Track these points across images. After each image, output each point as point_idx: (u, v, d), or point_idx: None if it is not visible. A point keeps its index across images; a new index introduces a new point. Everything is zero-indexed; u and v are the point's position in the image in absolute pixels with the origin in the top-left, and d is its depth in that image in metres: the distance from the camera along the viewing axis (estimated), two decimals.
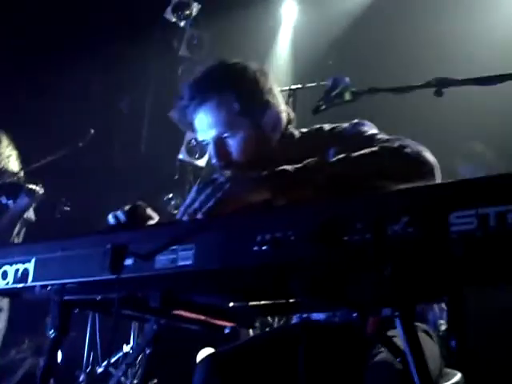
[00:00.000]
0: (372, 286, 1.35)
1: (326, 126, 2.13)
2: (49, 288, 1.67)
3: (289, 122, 2.16)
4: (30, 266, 1.68)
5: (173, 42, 6.57)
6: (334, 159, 1.75)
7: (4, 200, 4.66)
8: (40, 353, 4.99)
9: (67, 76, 5.81)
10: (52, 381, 1.77)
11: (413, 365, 1.23)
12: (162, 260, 1.44)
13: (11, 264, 1.73)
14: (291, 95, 4.56)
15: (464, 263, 1.30)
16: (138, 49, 6.19)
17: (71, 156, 5.18)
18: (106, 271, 1.46)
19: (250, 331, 4.03)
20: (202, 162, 6.34)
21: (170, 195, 5.24)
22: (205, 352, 4.35)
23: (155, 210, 2.03)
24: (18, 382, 4.91)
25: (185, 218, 1.65)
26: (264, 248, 1.30)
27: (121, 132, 6.80)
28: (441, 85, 1.88)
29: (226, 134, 2.03)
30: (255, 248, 1.31)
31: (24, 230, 4.78)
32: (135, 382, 4.55)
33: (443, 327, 2.13)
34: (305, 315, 2.22)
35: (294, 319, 2.42)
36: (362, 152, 1.76)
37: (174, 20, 6.44)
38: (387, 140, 1.88)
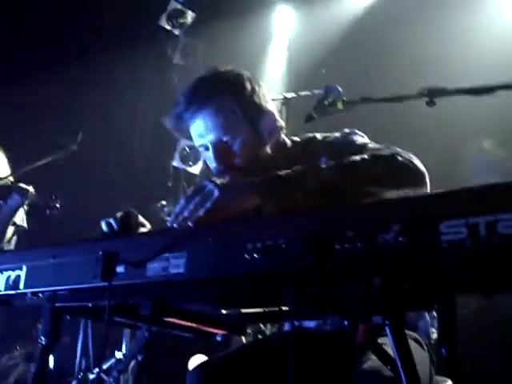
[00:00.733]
0: (362, 294, 1.36)
1: (318, 136, 2.15)
2: (40, 295, 1.67)
3: (280, 129, 2.18)
4: (22, 273, 1.68)
5: (167, 50, 6.58)
6: (325, 165, 1.76)
7: None
8: (31, 359, 4.97)
9: (62, 82, 5.81)
10: None
11: (403, 372, 1.24)
12: (153, 268, 1.44)
13: (2, 271, 1.73)
14: (284, 103, 4.57)
15: (454, 272, 1.31)
16: (133, 57, 6.20)
17: (63, 161, 5.17)
18: (98, 278, 1.46)
19: (243, 338, 4.03)
20: (195, 170, 6.35)
21: (164, 202, 5.24)
22: (196, 359, 4.34)
23: (146, 218, 2.03)
24: None
25: (175, 226, 1.65)
26: (255, 256, 1.30)
27: (114, 139, 6.79)
28: (433, 95, 1.90)
29: (225, 138, 2.04)
30: (246, 256, 1.31)
31: (16, 238, 4.77)
32: None
33: (435, 335, 2.14)
34: (296, 323, 2.22)
35: (286, 326, 2.42)
36: (353, 159, 1.78)
37: (168, 28, 6.46)
38: (378, 149, 1.90)
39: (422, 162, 1.82)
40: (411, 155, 1.81)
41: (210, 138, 2.05)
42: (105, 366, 4.80)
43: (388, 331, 1.26)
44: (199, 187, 1.71)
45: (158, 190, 6.04)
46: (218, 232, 1.41)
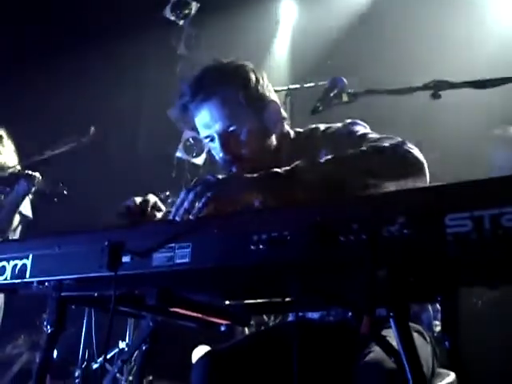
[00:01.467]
0: (367, 286, 1.36)
1: (321, 127, 2.16)
2: (46, 284, 1.68)
3: (284, 120, 2.19)
4: (28, 262, 1.69)
5: (171, 40, 6.57)
6: (324, 160, 1.76)
7: (3, 189, 4.69)
8: (36, 348, 5.00)
9: (66, 72, 5.81)
10: (48, 376, 1.78)
11: (407, 364, 1.24)
12: (159, 258, 1.45)
13: (9, 260, 1.74)
14: (289, 95, 4.56)
15: (459, 265, 1.32)
16: (137, 47, 6.20)
17: (68, 152, 5.18)
18: (104, 268, 1.47)
19: (246, 329, 4.05)
20: (199, 161, 6.35)
21: (167, 193, 5.23)
22: (200, 350, 4.36)
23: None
24: (14, 377, 4.92)
25: (176, 218, 1.65)
26: (261, 247, 1.31)
27: (118, 129, 6.80)
28: (438, 87, 1.89)
29: (232, 128, 2.04)
30: (252, 247, 1.32)
31: (21, 227, 4.79)
32: (130, 378, 4.56)
33: (438, 328, 2.14)
34: (300, 314, 2.23)
35: (290, 317, 2.43)
36: (352, 152, 1.79)
37: (172, 18, 6.44)
38: (378, 139, 1.90)
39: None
40: (410, 145, 1.81)
41: (215, 129, 2.05)
42: (108, 356, 4.83)
43: (392, 323, 1.26)
44: (200, 181, 1.71)
45: (161, 181, 6.05)
46: (223, 223, 1.42)
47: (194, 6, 6.42)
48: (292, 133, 2.20)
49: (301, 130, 2.23)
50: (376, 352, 1.74)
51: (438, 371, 1.98)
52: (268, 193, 1.71)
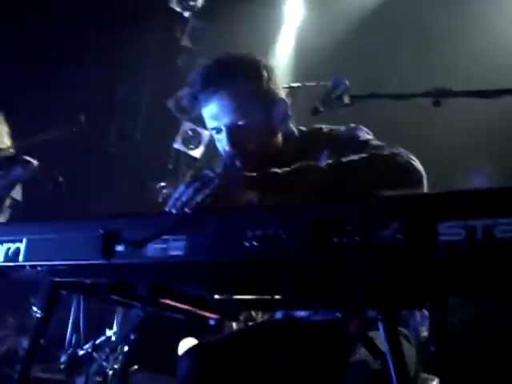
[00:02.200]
0: (358, 288, 1.38)
1: (324, 128, 2.17)
2: (39, 268, 1.69)
3: (290, 118, 2.20)
4: (22, 245, 1.69)
5: (175, 31, 6.55)
6: (325, 164, 1.78)
7: None
8: (23, 331, 5.00)
9: (67, 59, 5.80)
10: None
11: (393, 367, 1.26)
12: (153, 249, 1.46)
13: (2, 243, 1.74)
14: (289, 92, 4.56)
15: (449, 272, 1.33)
16: (140, 36, 6.18)
17: (66, 139, 5.17)
18: (98, 256, 1.48)
19: (234, 324, 4.06)
20: (196, 153, 6.35)
21: (163, 183, 5.24)
22: (187, 343, 4.36)
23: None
24: (0, 359, 4.91)
25: (173, 211, 1.65)
26: (254, 244, 1.32)
27: (117, 118, 6.79)
28: (440, 95, 1.90)
29: (240, 122, 2.05)
30: (246, 243, 1.33)
31: (9, 211, 4.77)
32: (116, 366, 4.56)
33: (424, 334, 2.16)
34: (288, 312, 2.24)
35: (278, 315, 2.44)
36: (353, 158, 1.80)
37: (178, 10, 6.43)
38: (380, 147, 1.91)
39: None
40: (411, 156, 1.83)
41: (224, 121, 2.05)
42: (95, 343, 4.83)
43: (381, 326, 1.27)
44: (199, 175, 1.71)
45: (158, 171, 6.05)
46: (219, 218, 1.42)
47: None
48: (296, 131, 2.22)
49: (304, 128, 2.24)
50: (363, 352, 1.76)
51: (422, 376, 1.99)
52: (265, 192, 1.72)
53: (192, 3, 6.38)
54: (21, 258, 1.68)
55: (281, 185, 1.73)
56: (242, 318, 3.81)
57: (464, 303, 4.14)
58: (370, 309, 1.31)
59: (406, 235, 1.19)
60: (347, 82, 2.08)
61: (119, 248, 1.49)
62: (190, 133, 6.31)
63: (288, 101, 2.19)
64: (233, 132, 2.05)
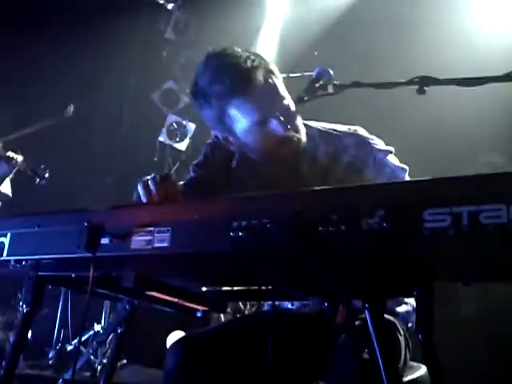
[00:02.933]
0: (344, 277, 1.37)
1: (312, 125, 2.22)
2: (24, 263, 1.68)
3: None
4: (6, 240, 1.67)
5: (159, 24, 6.52)
6: None
7: None
8: (10, 328, 4.98)
9: (52, 52, 5.76)
10: (21, 356, 1.78)
11: (379, 355, 1.26)
12: (137, 241, 1.45)
13: None
14: None
15: (435, 259, 1.33)
16: (124, 28, 6.15)
17: (51, 131, 5.15)
18: (82, 249, 1.46)
19: (222, 316, 4.06)
20: (181, 146, 6.34)
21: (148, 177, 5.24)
22: (175, 335, 4.36)
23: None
24: None
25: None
26: (240, 234, 1.31)
27: (102, 111, 6.76)
28: (424, 83, 1.90)
29: (293, 108, 2.13)
30: (231, 234, 1.32)
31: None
32: (104, 361, 4.56)
33: (412, 322, 2.16)
34: (276, 303, 2.24)
35: (265, 307, 2.44)
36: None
37: (161, 2, 6.40)
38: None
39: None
40: None
41: (273, 110, 2.08)
42: (83, 338, 4.83)
43: (367, 315, 1.27)
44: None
45: (143, 165, 6.03)
46: (204, 208, 1.42)
47: None
48: (314, 126, 2.28)
49: (321, 127, 2.29)
50: (350, 340, 1.76)
51: (410, 364, 2.00)
52: None
53: None
54: (5, 252, 1.66)
55: None
56: (229, 309, 3.82)
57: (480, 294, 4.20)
58: (356, 298, 1.31)
59: (391, 223, 1.18)
60: (331, 72, 2.08)
61: (104, 241, 1.48)
62: (174, 125, 6.29)
63: None
64: (289, 116, 2.10)
